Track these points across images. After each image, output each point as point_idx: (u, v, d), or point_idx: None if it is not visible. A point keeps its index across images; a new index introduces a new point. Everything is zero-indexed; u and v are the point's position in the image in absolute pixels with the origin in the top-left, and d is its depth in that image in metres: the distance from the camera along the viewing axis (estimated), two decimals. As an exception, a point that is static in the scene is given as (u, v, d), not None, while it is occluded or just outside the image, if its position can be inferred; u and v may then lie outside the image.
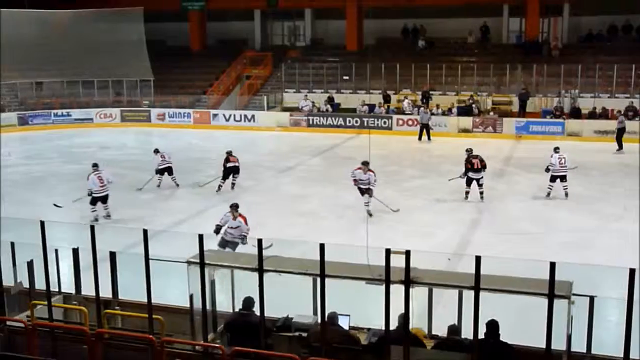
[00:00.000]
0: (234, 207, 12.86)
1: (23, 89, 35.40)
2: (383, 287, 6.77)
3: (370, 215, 16.17)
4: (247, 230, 12.61)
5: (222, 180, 19.78)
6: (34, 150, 27.63)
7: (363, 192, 16.65)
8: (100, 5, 35.25)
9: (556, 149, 18.47)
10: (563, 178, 18.05)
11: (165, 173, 20.37)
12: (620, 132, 26.18)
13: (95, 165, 17.07)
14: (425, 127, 28.97)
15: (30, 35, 33.73)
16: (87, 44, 34.68)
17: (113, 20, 35.13)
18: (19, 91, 35.34)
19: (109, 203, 16.75)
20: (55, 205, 17.05)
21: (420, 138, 28.87)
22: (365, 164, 16.47)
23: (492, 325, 7.00)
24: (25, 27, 33.63)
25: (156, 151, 20.63)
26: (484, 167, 17.79)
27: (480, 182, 17.74)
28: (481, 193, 17.83)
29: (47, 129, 32.91)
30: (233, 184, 19.93)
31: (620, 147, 25.86)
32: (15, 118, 33.23)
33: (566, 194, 18.14)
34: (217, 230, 12.78)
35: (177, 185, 20.44)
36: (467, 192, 17.97)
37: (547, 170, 18.15)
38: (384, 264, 6.70)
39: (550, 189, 18.23)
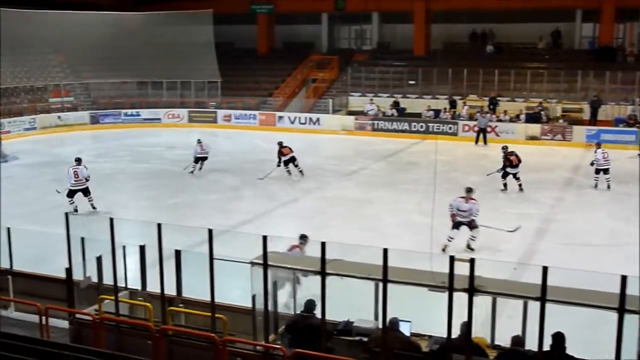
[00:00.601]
0: (304, 238, 11.17)
1: (95, 88, 36.37)
2: (446, 294, 6.69)
3: (472, 249, 13.73)
4: None
5: (286, 167, 21.35)
6: (104, 148, 28.34)
7: (459, 224, 14.05)
8: (172, 7, 35.97)
9: (598, 145, 20.88)
10: (606, 171, 19.98)
11: (200, 162, 22.14)
12: None
13: (77, 159, 17.86)
14: (482, 131, 28.99)
15: (104, 36, 34.67)
16: (157, 46, 35.53)
17: (183, 23, 35.77)
18: (91, 90, 36.32)
19: (92, 195, 17.51)
20: (56, 191, 17.78)
21: (477, 142, 28.93)
22: (469, 191, 14.42)
23: (559, 338, 6.82)
24: (100, 28, 34.57)
25: (199, 141, 22.35)
26: (519, 162, 19.49)
27: (517, 176, 19.48)
28: (520, 185, 19.52)
29: (117, 128, 33.75)
30: (301, 171, 21.45)
31: None
32: (87, 117, 34.21)
33: (608, 186, 19.92)
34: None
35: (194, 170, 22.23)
36: (504, 184, 19.62)
37: (592, 164, 20.28)
38: (447, 271, 6.63)
39: (596, 180, 20.10)
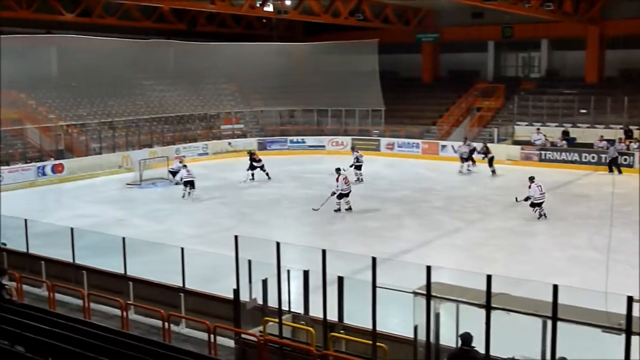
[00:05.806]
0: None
1: (263, 116, 37.91)
2: (623, 337, 6.26)
3: None
4: None
5: (251, 174, 26.72)
6: (269, 174, 29.25)
7: None
8: (339, 37, 36.86)
9: None
10: None
11: (189, 186, 23.50)
12: None
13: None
14: (613, 161, 28.01)
15: (274, 66, 36.20)
16: (323, 75, 36.58)
17: (349, 52, 36.56)
18: (260, 118, 37.88)
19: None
20: None
21: (610, 171, 27.84)
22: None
23: None
24: (270, 59, 36.15)
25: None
26: None
27: None
28: None
29: (283, 154, 34.82)
30: (253, 175, 26.65)
31: None
32: (255, 143, 35.61)
33: None
34: None
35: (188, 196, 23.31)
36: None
37: None
38: (624, 312, 6.20)
39: None
